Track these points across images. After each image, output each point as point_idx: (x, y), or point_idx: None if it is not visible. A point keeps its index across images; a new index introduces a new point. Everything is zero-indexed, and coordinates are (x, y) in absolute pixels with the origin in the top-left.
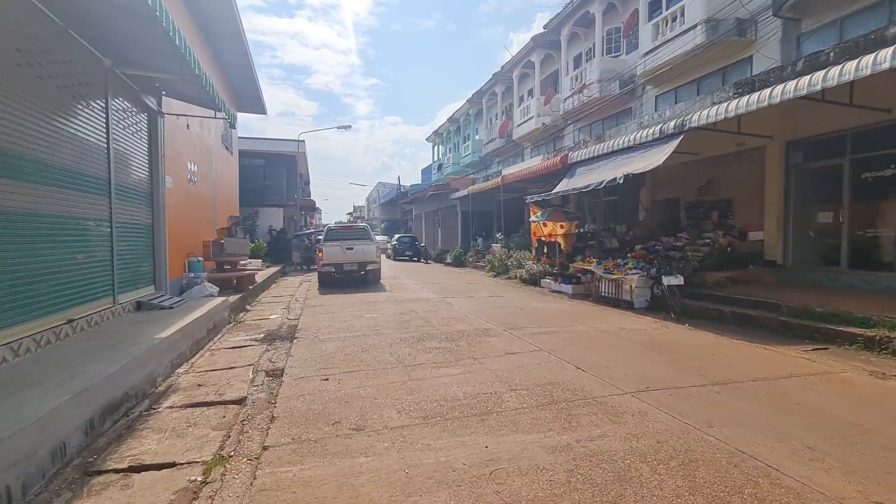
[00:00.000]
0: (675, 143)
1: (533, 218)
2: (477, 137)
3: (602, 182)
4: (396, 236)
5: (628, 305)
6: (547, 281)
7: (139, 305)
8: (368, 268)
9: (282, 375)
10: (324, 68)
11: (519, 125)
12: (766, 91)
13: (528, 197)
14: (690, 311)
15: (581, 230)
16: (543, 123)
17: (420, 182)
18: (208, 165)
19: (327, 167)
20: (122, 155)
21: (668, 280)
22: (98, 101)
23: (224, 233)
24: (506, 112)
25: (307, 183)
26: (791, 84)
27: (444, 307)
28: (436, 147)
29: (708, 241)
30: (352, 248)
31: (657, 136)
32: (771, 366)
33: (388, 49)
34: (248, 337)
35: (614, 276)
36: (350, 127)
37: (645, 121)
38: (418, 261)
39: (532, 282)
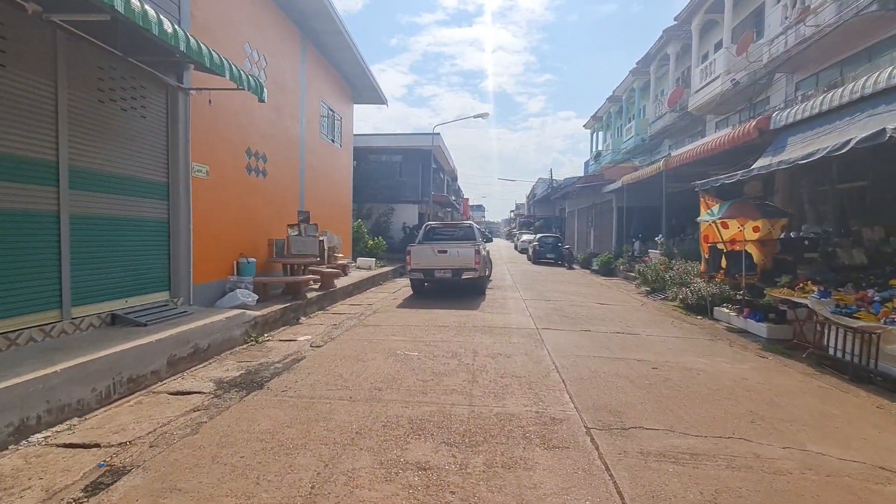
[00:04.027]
0: None
1: (704, 215)
2: (643, 118)
3: (849, 142)
4: (538, 236)
5: (892, 383)
6: (724, 312)
7: (114, 319)
8: (464, 276)
9: (105, 489)
10: (498, 70)
11: (697, 90)
12: None
13: (699, 183)
14: None
15: (790, 234)
16: (733, 81)
17: (583, 176)
18: (292, 156)
19: (503, 166)
20: (97, 135)
21: None
22: (44, 62)
23: (292, 230)
24: (682, 79)
25: (454, 179)
26: None
27: (527, 350)
28: (595, 134)
29: None
30: (445, 252)
31: None
32: None
33: (563, 42)
34: (220, 375)
35: (860, 324)
36: (487, 115)
37: None
38: (561, 265)
39: (699, 309)
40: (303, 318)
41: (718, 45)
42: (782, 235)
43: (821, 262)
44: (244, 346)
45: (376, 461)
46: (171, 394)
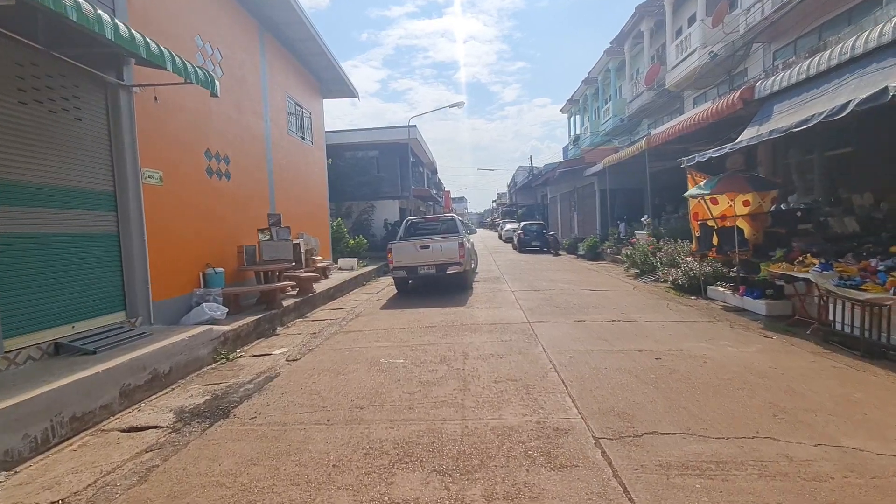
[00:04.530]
0: None
1: (692, 190)
2: (620, 98)
3: (848, 105)
4: (522, 225)
5: None
6: (719, 290)
7: (58, 348)
8: (449, 271)
9: None
10: (471, 60)
11: (674, 66)
12: None
13: (685, 159)
14: None
15: (781, 206)
16: (712, 54)
17: (564, 161)
18: (258, 156)
19: (483, 157)
20: (20, 141)
21: None
22: None
23: (263, 235)
24: (657, 56)
25: (434, 172)
26: None
27: (521, 348)
28: (572, 118)
29: None
30: (427, 247)
31: None
32: None
33: (534, 29)
34: (182, 403)
35: (868, 296)
36: (463, 104)
37: None
38: (547, 252)
39: (692, 289)
40: (280, 329)
41: (692, 20)
42: (773, 208)
43: (815, 234)
44: (213, 365)
45: (356, 502)
46: (123, 431)
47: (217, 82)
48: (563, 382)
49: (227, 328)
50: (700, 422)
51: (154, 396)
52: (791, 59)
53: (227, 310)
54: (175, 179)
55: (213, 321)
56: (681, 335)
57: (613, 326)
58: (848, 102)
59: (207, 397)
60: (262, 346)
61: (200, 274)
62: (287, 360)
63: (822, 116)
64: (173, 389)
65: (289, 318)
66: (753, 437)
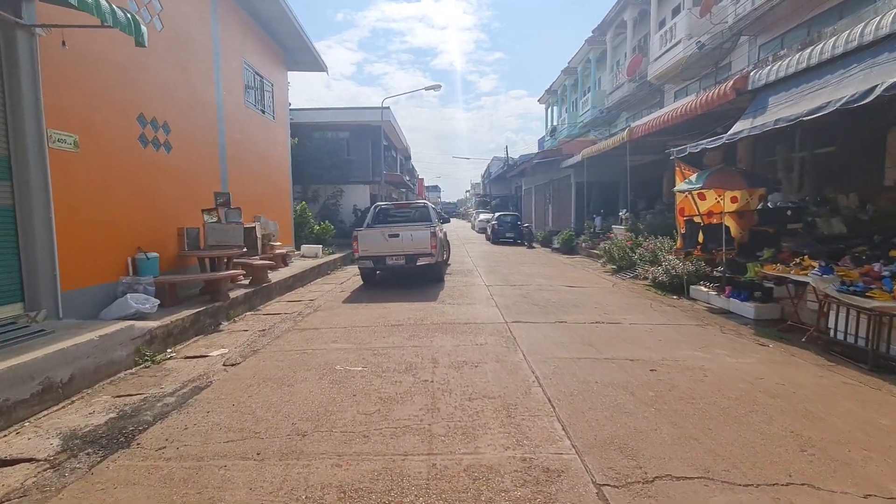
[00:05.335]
0: None
1: (682, 185)
2: (600, 90)
3: (874, 90)
4: (496, 215)
5: None
6: (703, 290)
7: None
8: (419, 262)
9: None
10: (449, 47)
11: (657, 58)
12: None
13: (675, 150)
14: None
15: (768, 204)
16: (699, 43)
17: (540, 151)
18: (207, 127)
19: (457, 146)
20: None
21: None
22: None
23: (209, 216)
24: (639, 48)
25: (408, 158)
26: None
27: (498, 354)
28: (549, 109)
29: None
30: (396, 235)
31: None
32: None
33: (514, 19)
34: (77, 423)
35: (876, 304)
36: (440, 87)
37: None
38: (521, 244)
39: (675, 288)
40: (224, 324)
41: (676, 11)
42: (760, 206)
43: (803, 234)
44: (133, 370)
45: None
46: None
47: (144, 28)
48: (550, 401)
49: (154, 324)
50: (719, 460)
51: (45, 413)
52: (782, 52)
53: (158, 302)
54: (96, 146)
55: (140, 315)
56: (672, 341)
57: (598, 329)
58: (874, 87)
59: (112, 415)
60: (199, 345)
61: (130, 259)
62: (224, 365)
63: (841, 103)
64: (73, 402)
65: (237, 311)
66: (788, 484)
